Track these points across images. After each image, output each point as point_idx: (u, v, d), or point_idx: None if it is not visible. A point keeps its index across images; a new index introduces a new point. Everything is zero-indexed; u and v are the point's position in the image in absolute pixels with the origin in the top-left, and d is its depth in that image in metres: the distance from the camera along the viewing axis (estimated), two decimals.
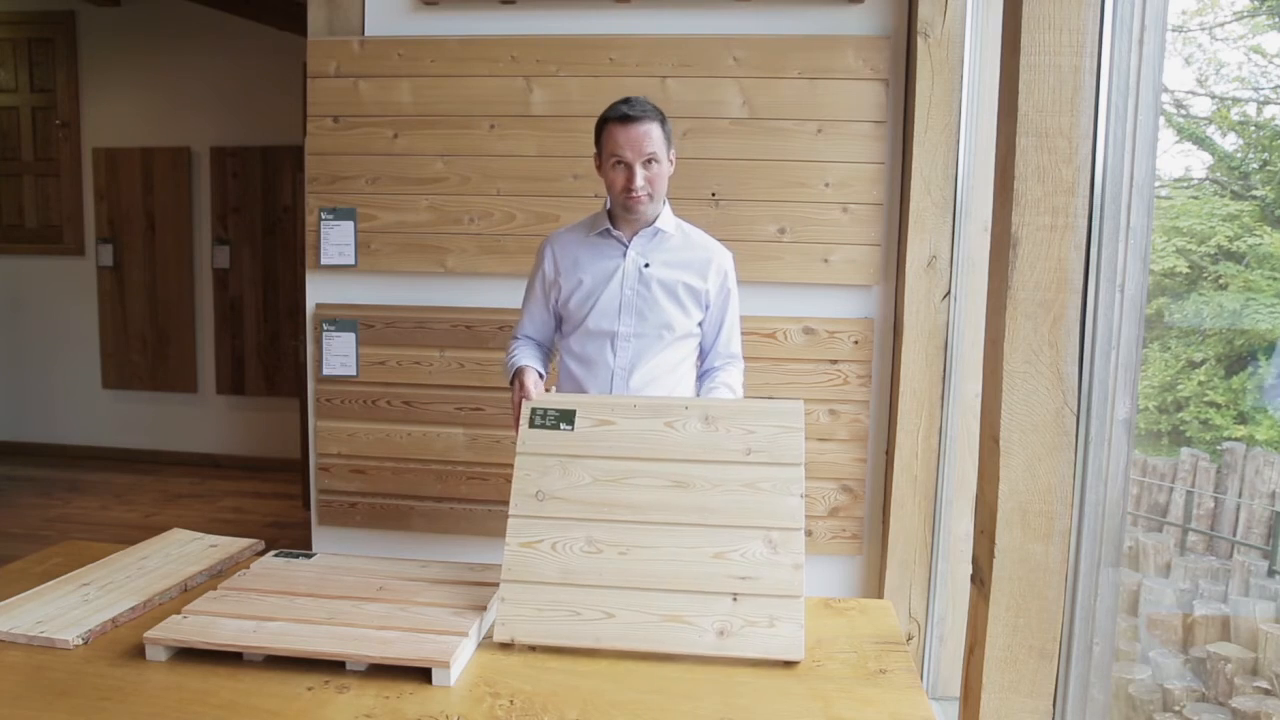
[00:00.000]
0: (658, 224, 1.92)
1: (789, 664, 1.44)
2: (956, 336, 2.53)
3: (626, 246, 1.92)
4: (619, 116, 1.84)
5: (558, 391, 2.01)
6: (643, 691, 1.35)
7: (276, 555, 1.82)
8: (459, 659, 1.40)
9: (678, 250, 1.94)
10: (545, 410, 1.67)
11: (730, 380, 1.99)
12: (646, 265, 1.92)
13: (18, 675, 1.38)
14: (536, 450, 1.62)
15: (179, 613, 1.52)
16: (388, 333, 2.79)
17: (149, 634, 1.43)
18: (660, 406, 1.65)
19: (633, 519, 1.51)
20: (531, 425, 1.66)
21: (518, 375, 1.86)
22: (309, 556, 1.80)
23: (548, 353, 2.09)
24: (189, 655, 1.43)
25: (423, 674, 1.38)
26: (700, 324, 1.99)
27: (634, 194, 1.84)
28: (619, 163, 1.84)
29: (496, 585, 1.65)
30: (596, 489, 1.55)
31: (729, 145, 2.64)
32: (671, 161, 1.91)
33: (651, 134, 1.83)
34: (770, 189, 2.64)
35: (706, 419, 1.61)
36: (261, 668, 1.41)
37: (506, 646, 1.50)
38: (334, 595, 1.60)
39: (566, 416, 1.64)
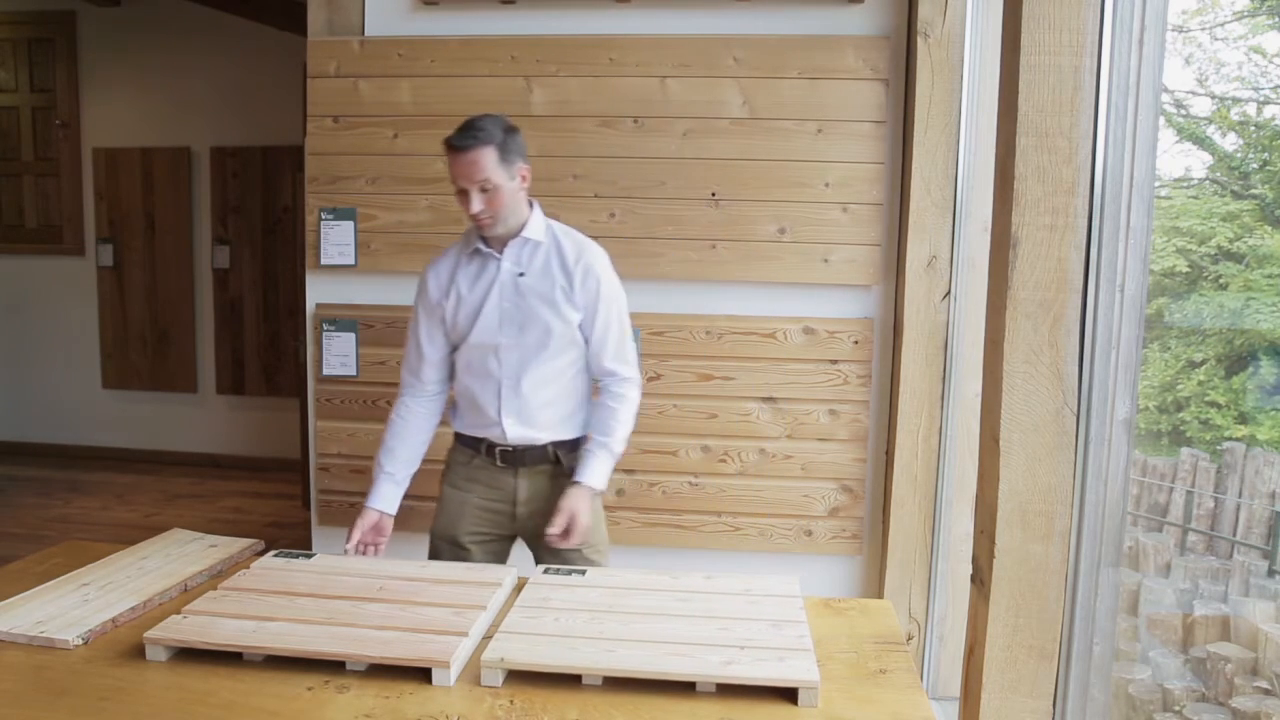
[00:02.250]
0: (526, 233, 1.91)
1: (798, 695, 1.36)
2: (956, 336, 2.53)
3: (500, 259, 1.92)
4: (449, 144, 1.81)
5: (454, 412, 2.05)
6: (643, 693, 1.35)
7: (276, 555, 1.82)
8: (459, 659, 1.40)
9: (549, 256, 1.93)
10: (559, 568, 1.82)
11: (620, 428, 1.96)
12: (521, 274, 1.91)
13: (18, 675, 1.38)
14: (547, 582, 1.73)
15: (179, 613, 1.52)
16: (388, 333, 2.79)
17: (149, 634, 1.43)
18: (664, 574, 1.82)
19: (638, 611, 1.59)
20: (545, 573, 1.79)
21: (363, 514, 1.96)
22: (309, 556, 1.80)
23: (444, 397, 2.07)
24: (189, 655, 1.43)
25: (423, 674, 1.38)
26: (581, 327, 1.95)
27: (476, 218, 1.84)
28: (458, 189, 1.84)
29: (496, 585, 1.66)
30: (604, 597, 1.64)
31: (729, 145, 2.63)
32: (521, 177, 1.86)
33: (479, 161, 1.78)
34: (770, 189, 2.63)
35: (707, 577, 1.77)
36: (261, 668, 1.41)
37: None
38: (334, 595, 1.60)
39: (579, 571, 1.79)
